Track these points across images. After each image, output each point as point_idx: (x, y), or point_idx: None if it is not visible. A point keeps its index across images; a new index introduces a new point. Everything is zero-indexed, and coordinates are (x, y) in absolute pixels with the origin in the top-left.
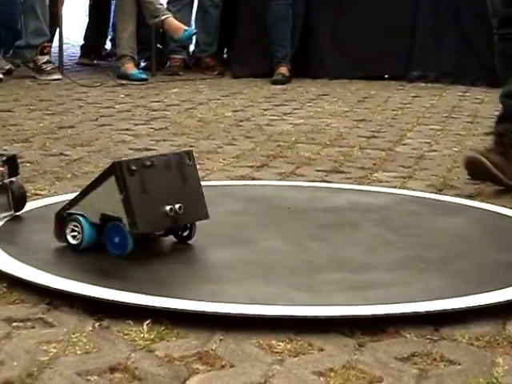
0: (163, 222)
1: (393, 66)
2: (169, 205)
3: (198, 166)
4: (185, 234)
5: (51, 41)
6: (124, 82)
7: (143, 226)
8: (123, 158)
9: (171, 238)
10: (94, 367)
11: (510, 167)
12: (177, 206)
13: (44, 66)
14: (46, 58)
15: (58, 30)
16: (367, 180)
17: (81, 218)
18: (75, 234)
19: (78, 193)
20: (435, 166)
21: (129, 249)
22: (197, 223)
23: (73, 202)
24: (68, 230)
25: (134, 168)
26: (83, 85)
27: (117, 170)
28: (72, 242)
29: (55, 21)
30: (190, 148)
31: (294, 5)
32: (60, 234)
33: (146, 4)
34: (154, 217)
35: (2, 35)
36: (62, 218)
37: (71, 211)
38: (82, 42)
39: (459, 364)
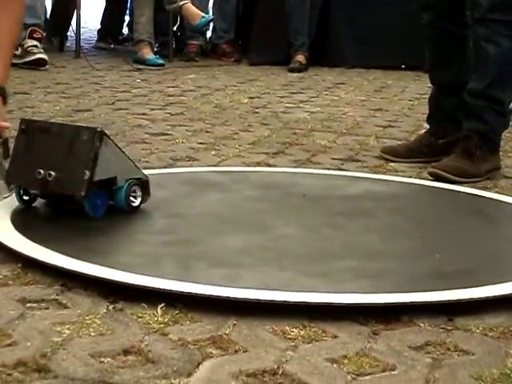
0: (33, 184)
1: (410, 56)
2: (42, 169)
3: (213, 152)
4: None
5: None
6: (141, 66)
7: (11, 179)
8: (33, 118)
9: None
10: (107, 349)
11: (475, 166)
12: (52, 173)
13: (30, 49)
14: (34, 42)
15: (75, 13)
16: (383, 169)
17: None
18: None
19: None
20: None
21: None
22: (213, 209)
23: None
24: None
25: (23, 127)
26: (100, 69)
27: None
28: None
29: (73, 5)
30: (99, 127)
31: None
32: None
33: None
34: (27, 176)
35: None
36: None
37: None
38: (99, 27)
39: (473, 354)
